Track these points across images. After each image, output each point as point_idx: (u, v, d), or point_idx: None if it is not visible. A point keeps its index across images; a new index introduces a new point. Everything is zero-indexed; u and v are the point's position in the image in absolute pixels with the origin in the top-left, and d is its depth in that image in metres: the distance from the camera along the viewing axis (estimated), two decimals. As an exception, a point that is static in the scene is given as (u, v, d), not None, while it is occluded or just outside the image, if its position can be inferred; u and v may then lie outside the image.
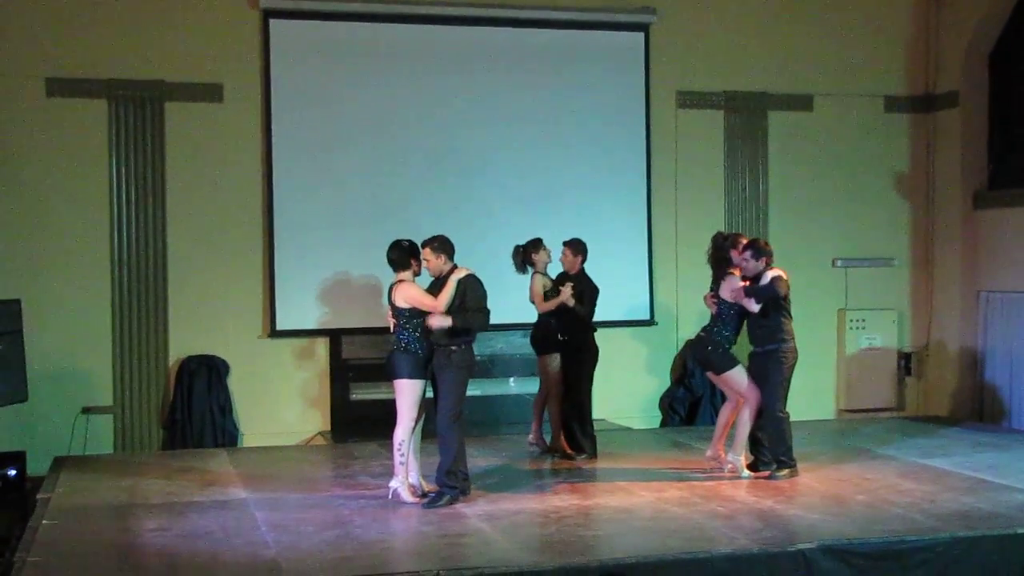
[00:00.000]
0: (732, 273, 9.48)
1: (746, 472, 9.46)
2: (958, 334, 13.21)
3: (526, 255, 10.29)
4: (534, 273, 10.29)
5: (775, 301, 9.25)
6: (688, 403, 12.70)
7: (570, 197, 12.45)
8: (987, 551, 7.50)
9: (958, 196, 13.17)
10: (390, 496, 8.54)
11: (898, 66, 13.53)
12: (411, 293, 8.52)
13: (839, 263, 13.27)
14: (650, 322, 12.77)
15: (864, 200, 13.40)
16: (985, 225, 12.99)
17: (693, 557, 7.11)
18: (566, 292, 10.07)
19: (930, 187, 13.55)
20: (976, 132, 13.12)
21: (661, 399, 12.82)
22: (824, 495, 8.80)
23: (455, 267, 8.64)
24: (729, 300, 9.43)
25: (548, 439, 10.52)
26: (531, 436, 10.64)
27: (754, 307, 9.23)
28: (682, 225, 12.79)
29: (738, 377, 9.48)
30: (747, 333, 9.52)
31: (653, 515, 8.21)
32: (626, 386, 12.71)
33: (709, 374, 9.91)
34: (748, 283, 9.34)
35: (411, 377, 8.50)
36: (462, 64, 12.26)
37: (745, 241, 9.59)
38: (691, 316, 12.43)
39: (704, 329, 9.66)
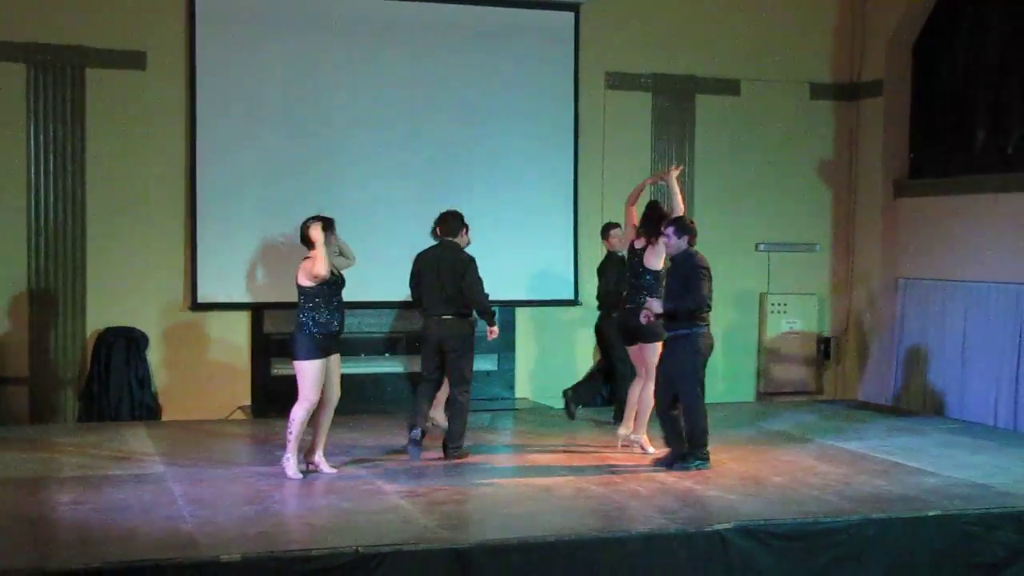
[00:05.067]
0: (655, 242, 9.50)
1: (651, 448, 9.58)
2: (876, 320, 13.42)
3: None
4: None
5: (695, 286, 8.99)
6: (610, 383, 12.75)
7: (498, 175, 12.42)
8: (899, 533, 7.64)
9: (879, 184, 13.36)
10: (323, 469, 8.68)
11: (824, 54, 13.67)
12: (306, 266, 8.50)
13: (762, 247, 13.40)
14: (574, 302, 12.80)
15: (788, 186, 13.54)
16: (905, 213, 13.19)
17: (611, 536, 7.16)
18: None
19: (852, 174, 13.72)
20: (898, 121, 13.30)
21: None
22: (742, 476, 8.90)
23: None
24: (655, 268, 9.54)
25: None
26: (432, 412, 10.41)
27: (658, 308, 9.01)
28: (608, 206, 12.81)
29: (657, 352, 9.43)
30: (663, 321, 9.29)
31: (572, 494, 8.25)
32: (548, 366, 12.75)
33: (634, 347, 9.76)
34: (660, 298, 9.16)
35: (307, 357, 8.46)
36: (391, 38, 12.16)
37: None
38: (615, 297, 12.47)
39: (631, 301, 9.63)
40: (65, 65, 11.23)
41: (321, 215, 8.74)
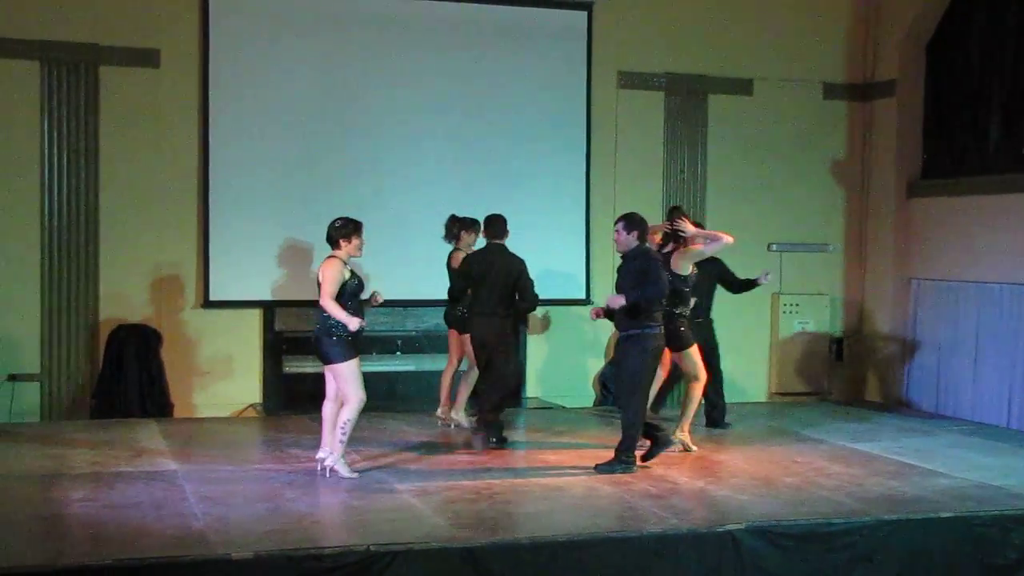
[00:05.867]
0: (685, 247, 9.55)
1: (694, 447, 9.71)
2: (889, 320, 13.39)
3: (458, 229, 10.45)
4: (455, 250, 10.44)
5: (654, 276, 8.75)
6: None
7: (509, 174, 12.41)
8: (912, 534, 7.62)
9: (892, 184, 13.32)
10: (327, 475, 8.50)
11: (837, 53, 13.64)
12: (326, 272, 8.47)
13: (774, 247, 13.37)
14: (586, 301, 12.77)
15: (801, 186, 13.50)
16: (918, 213, 13.15)
17: (623, 536, 7.15)
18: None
19: (865, 175, 13.69)
20: (912, 121, 13.26)
21: (595, 378, 12.87)
22: (753, 476, 8.88)
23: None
24: (683, 273, 9.48)
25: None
26: (439, 411, 10.73)
27: (619, 302, 8.73)
28: (620, 205, 12.72)
29: (695, 355, 9.63)
30: (614, 319, 9.05)
31: (584, 493, 8.24)
32: (560, 364, 12.75)
33: (673, 355, 9.77)
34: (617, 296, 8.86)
35: (346, 359, 8.45)
36: (404, 36, 12.14)
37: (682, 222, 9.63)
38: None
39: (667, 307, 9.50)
40: (79, 63, 11.25)
41: (351, 217, 8.69)
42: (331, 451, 8.56)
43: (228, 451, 9.55)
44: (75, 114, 11.27)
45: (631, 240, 8.92)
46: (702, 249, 9.62)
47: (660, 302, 8.86)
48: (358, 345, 8.59)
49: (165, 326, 11.60)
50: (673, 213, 10.01)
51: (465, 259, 10.11)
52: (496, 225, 10.04)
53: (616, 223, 9.05)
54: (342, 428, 8.48)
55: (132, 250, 11.50)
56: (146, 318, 11.53)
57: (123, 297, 11.49)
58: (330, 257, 8.58)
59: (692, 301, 9.70)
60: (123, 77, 11.42)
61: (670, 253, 9.63)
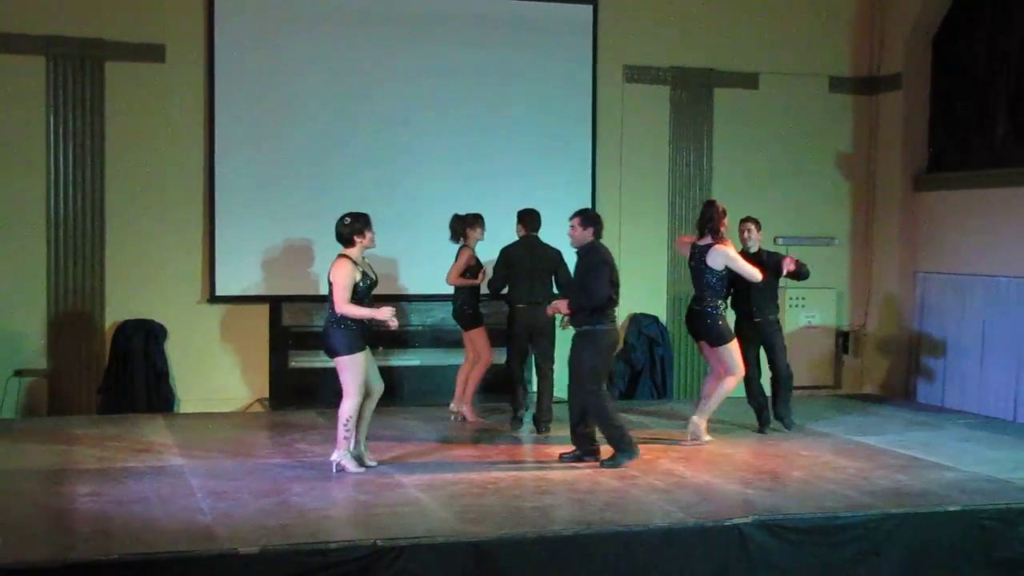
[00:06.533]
0: (721, 244, 9.66)
1: (706, 436, 9.82)
2: (895, 314, 13.37)
3: (463, 227, 10.54)
4: (463, 247, 10.52)
5: (593, 283, 8.78)
6: (628, 377, 12.75)
7: (514, 169, 12.39)
8: (918, 528, 7.62)
9: (899, 178, 13.31)
10: (334, 470, 8.50)
11: (844, 47, 13.62)
12: (337, 276, 8.38)
13: (780, 241, 13.34)
14: (592, 296, 12.77)
15: (807, 179, 13.49)
16: (924, 207, 13.14)
17: (629, 530, 7.15)
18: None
19: (872, 168, 13.68)
20: (918, 115, 13.24)
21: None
22: (760, 470, 8.88)
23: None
24: (718, 269, 9.63)
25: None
26: (452, 404, 10.81)
27: (565, 309, 8.94)
28: (626, 199, 12.82)
29: (733, 350, 9.73)
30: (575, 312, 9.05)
31: (590, 487, 8.24)
32: (567, 359, 12.72)
33: (702, 344, 9.99)
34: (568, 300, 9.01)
35: (350, 352, 8.40)
36: (409, 31, 12.13)
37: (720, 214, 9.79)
38: (632, 292, 12.46)
39: (696, 302, 9.85)
40: (84, 58, 11.25)
41: (357, 212, 8.59)
42: (336, 447, 8.55)
43: (235, 446, 9.56)
44: (81, 109, 11.27)
45: (586, 235, 8.97)
46: (734, 258, 9.71)
47: (614, 301, 8.87)
48: (366, 337, 8.52)
49: (171, 321, 11.61)
50: (707, 208, 9.98)
51: (504, 251, 10.28)
52: (532, 218, 10.33)
53: (572, 218, 9.11)
54: (344, 424, 8.44)
55: (138, 245, 11.51)
56: (152, 313, 11.53)
57: (129, 292, 11.49)
58: (341, 256, 8.44)
59: (725, 293, 9.86)
60: (129, 72, 11.42)
61: (707, 247, 9.73)
